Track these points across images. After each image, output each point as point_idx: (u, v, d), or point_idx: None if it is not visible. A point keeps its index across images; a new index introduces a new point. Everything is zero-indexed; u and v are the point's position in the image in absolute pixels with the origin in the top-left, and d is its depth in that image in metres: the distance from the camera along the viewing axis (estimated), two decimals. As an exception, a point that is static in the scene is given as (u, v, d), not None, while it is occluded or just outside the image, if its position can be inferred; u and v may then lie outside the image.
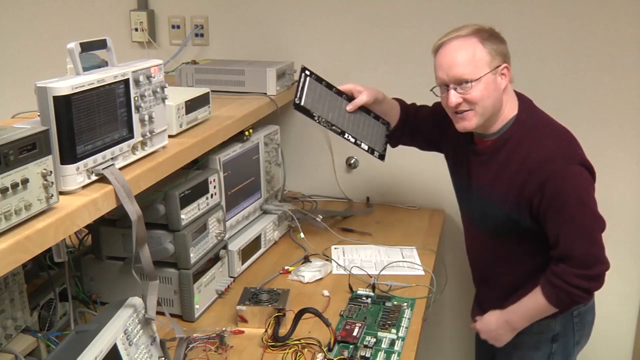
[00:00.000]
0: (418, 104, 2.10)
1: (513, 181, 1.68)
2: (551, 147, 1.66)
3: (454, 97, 1.67)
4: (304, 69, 1.94)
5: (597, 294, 1.99)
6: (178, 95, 1.68)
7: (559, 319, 1.79)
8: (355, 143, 1.99)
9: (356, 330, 1.70)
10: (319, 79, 1.97)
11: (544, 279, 1.68)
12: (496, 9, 2.40)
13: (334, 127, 1.96)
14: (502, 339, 1.80)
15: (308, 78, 1.95)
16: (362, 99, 1.99)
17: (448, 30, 2.47)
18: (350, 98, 2.02)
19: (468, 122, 1.70)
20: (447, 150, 1.99)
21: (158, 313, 1.46)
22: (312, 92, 1.94)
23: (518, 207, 1.69)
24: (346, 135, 1.98)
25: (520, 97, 1.76)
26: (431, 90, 1.80)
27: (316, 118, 1.93)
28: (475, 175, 1.80)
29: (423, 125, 2.04)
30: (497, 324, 1.80)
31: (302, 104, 1.91)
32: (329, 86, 2.00)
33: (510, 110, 1.72)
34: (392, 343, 1.66)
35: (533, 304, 1.71)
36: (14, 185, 1.03)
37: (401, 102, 2.11)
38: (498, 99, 1.69)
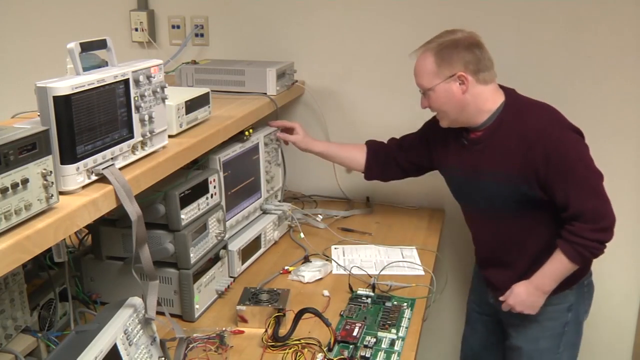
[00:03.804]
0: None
1: (516, 157, 1.81)
2: (544, 119, 1.82)
3: (422, 101, 1.93)
4: None
5: (597, 294, 2.05)
6: (178, 95, 1.68)
7: (574, 290, 1.94)
8: None
9: (356, 330, 1.70)
10: None
11: (561, 240, 1.80)
12: (495, 9, 2.40)
13: None
14: (536, 305, 1.90)
15: None
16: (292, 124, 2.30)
17: (446, 29, 2.49)
18: None
19: (441, 122, 1.95)
20: (440, 158, 2.08)
21: (158, 313, 1.46)
22: None
23: (526, 180, 1.80)
24: None
25: (504, 88, 1.91)
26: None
27: None
28: (478, 162, 1.91)
29: (411, 152, 2.19)
30: (528, 292, 1.88)
31: None
32: None
33: (492, 103, 1.87)
34: (392, 343, 1.66)
35: (557, 264, 1.82)
36: (14, 185, 1.03)
37: (369, 143, 2.29)
38: (458, 104, 1.85)
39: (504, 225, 1.94)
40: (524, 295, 1.89)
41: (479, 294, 2.20)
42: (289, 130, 2.31)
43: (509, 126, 1.84)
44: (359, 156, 2.27)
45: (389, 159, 2.23)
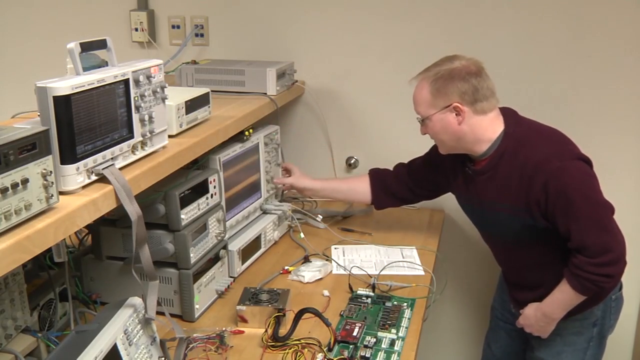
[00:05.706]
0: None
1: (518, 190, 1.77)
2: (544, 150, 1.76)
3: (421, 128, 1.90)
4: None
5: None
6: (178, 95, 1.68)
7: (600, 305, 1.90)
8: None
9: (356, 330, 1.70)
10: None
11: (567, 271, 1.76)
12: (495, 8, 2.40)
13: None
14: (545, 330, 1.89)
15: None
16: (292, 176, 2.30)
17: (447, 29, 2.50)
18: None
19: (439, 149, 1.93)
20: (451, 185, 2.05)
21: (158, 313, 1.46)
22: None
23: (529, 213, 1.77)
24: None
25: (504, 113, 1.85)
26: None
27: None
28: (483, 194, 1.88)
29: (421, 178, 2.15)
30: (537, 318, 1.88)
31: None
32: None
33: (492, 132, 1.81)
34: (392, 343, 1.66)
35: (565, 295, 1.79)
36: (14, 185, 1.03)
37: (373, 172, 2.25)
38: (455, 134, 1.82)
39: (520, 252, 1.91)
40: (533, 320, 1.89)
41: (502, 302, 2.18)
42: (286, 172, 2.35)
43: (511, 158, 1.79)
44: (362, 187, 2.22)
45: (399, 185, 2.18)
